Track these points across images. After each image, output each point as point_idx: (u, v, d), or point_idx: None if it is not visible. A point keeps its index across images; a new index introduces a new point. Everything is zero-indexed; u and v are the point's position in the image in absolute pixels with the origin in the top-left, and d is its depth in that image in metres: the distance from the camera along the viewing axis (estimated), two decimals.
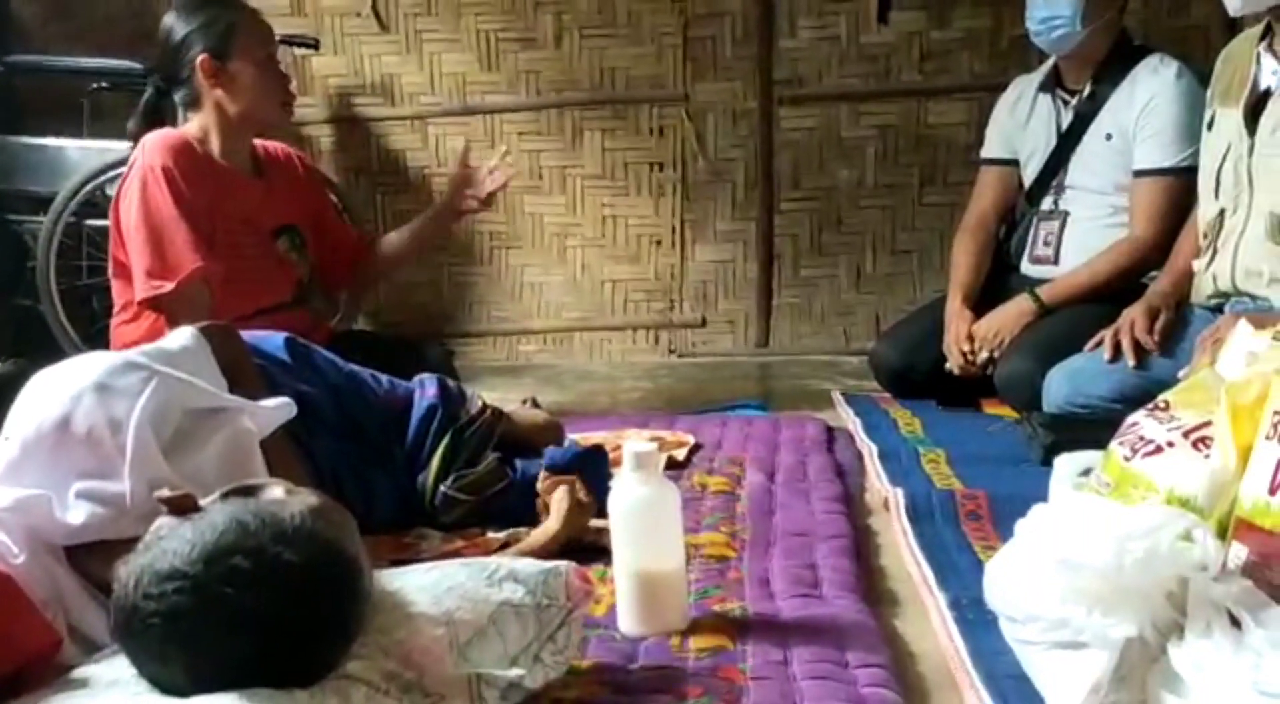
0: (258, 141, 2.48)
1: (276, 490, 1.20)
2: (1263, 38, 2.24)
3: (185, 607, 1.07)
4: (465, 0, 3.62)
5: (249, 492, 1.19)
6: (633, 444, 1.51)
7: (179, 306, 2.21)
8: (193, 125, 2.37)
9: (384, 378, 2.00)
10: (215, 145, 2.36)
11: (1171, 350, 2.33)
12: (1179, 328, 2.37)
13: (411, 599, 1.24)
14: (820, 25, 3.56)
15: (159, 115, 2.43)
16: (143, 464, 1.33)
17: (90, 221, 3.17)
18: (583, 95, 3.64)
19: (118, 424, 1.35)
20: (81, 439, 1.35)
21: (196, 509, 1.15)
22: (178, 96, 2.38)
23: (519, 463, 1.98)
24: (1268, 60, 2.22)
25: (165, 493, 1.15)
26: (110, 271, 2.39)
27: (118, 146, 3.09)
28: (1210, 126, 2.36)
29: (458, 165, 2.56)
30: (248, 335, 1.78)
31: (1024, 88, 2.92)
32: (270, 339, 1.88)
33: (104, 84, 3.35)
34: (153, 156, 2.24)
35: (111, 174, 3.07)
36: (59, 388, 1.39)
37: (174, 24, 2.36)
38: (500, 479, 1.93)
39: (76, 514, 1.32)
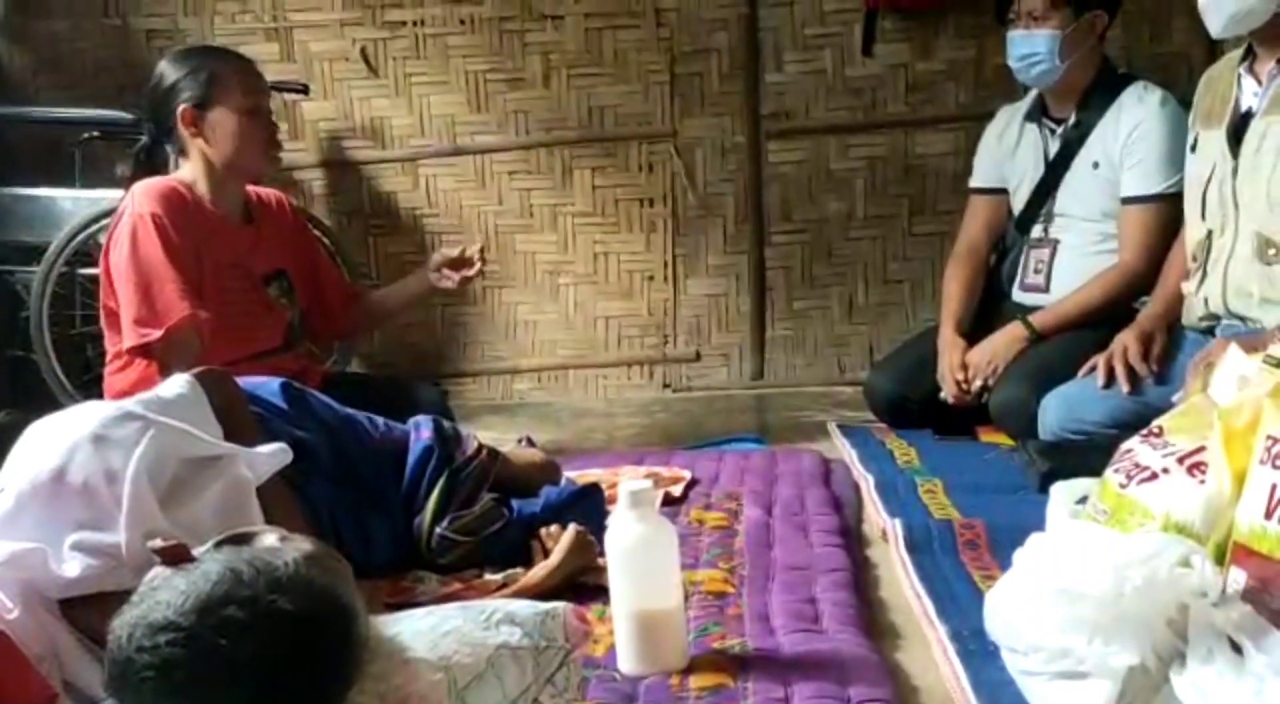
0: (250, 188, 2.49)
1: (270, 538, 1.20)
2: (1243, 60, 2.27)
3: (179, 659, 1.06)
4: (453, 43, 3.65)
5: (242, 539, 1.19)
6: (628, 483, 1.51)
7: (168, 354, 2.21)
8: (183, 172, 2.38)
9: (379, 420, 2.00)
10: (204, 192, 2.36)
11: (1165, 374, 2.35)
12: (1171, 351, 2.38)
13: (408, 644, 1.23)
14: (805, 59, 3.59)
15: (152, 163, 2.43)
16: (139, 515, 1.33)
17: (83, 270, 3.16)
18: (572, 134, 3.66)
19: (114, 475, 1.35)
20: (78, 490, 1.34)
21: (190, 559, 1.15)
22: (168, 145, 2.39)
23: (515, 503, 1.98)
24: (1248, 82, 2.25)
25: (158, 543, 1.15)
26: (102, 320, 2.39)
27: (109, 195, 3.09)
28: (1194, 149, 2.38)
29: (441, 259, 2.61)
30: (243, 381, 1.77)
31: (1010, 117, 2.94)
32: (266, 385, 1.88)
33: (95, 134, 3.36)
34: (142, 204, 2.25)
35: (104, 223, 3.06)
36: (54, 439, 1.39)
37: (163, 73, 2.38)
38: (497, 520, 1.93)
39: (72, 567, 1.31)
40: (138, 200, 2.26)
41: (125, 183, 2.40)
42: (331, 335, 2.70)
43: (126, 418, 1.42)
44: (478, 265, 2.57)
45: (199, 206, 2.34)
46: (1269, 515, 1.22)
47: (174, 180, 2.35)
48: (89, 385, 3.08)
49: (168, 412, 1.47)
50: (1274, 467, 1.23)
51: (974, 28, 3.51)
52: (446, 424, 2.03)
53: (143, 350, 2.24)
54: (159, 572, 1.13)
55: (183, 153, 2.38)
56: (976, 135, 3.08)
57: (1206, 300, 2.28)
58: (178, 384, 1.58)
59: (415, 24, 3.64)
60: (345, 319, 2.68)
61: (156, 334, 2.21)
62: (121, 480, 1.34)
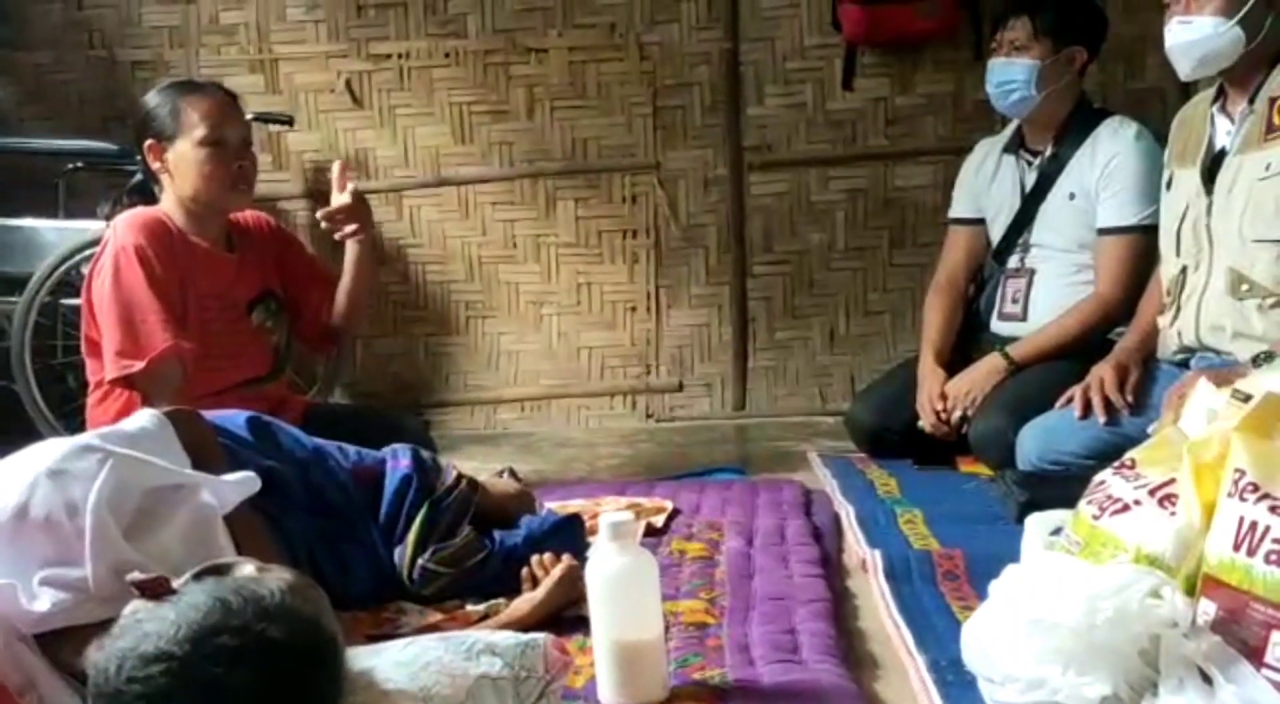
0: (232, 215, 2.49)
1: (248, 568, 1.20)
2: (1215, 99, 2.31)
3: (172, 688, 1.06)
4: (438, 75, 3.68)
5: (221, 570, 1.19)
6: (609, 515, 1.52)
7: (150, 385, 2.20)
8: (164, 203, 2.39)
9: (351, 449, 1.99)
10: (183, 224, 2.36)
11: (1141, 406, 2.37)
12: (1147, 383, 2.40)
13: (389, 676, 1.23)
14: (787, 93, 3.63)
15: (143, 194, 2.44)
16: (103, 547, 1.33)
17: (66, 301, 3.16)
18: (555, 165, 3.69)
19: (74, 508, 1.34)
20: (40, 526, 1.34)
21: (170, 591, 1.15)
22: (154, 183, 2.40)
23: (497, 534, 1.98)
24: (1221, 121, 2.29)
25: (137, 576, 1.15)
26: (84, 350, 2.38)
27: (93, 226, 3.10)
28: (1169, 186, 2.42)
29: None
30: (210, 415, 1.77)
31: (989, 149, 2.99)
32: (233, 418, 1.88)
33: (79, 165, 3.38)
34: (125, 236, 2.25)
35: (87, 253, 3.07)
36: (14, 476, 1.38)
37: (142, 105, 2.40)
38: (478, 551, 1.93)
39: (42, 602, 1.31)
40: (120, 232, 2.27)
41: (109, 217, 2.39)
42: (323, 337, 2.64)
43: (85, 450, 1.41)
44: (349, 187, 2.43)
45: (182, 238, 2.34)
46: (1237, 547, 1.24)
47: (158, 211, 2.36)
48: (70, 415, 3.07)
49: (130, 443, 1.47)
50: (1241, 499, 1.25)
51: (952, 63, 3.56)
52: (425, 454, 2.03)
53: (125, 381, 2.24)
54: (139, 604, 1.14)
55: (158, 184, 2.39)
56: (955, 168, 3.12)
57: (1180, 334, 2.31)
58: (142, 418, 1.58)
59: (400, 57, 3.67)
60: (332, 312, 2.58)
61: (138, 366, 2.20)
62: (83, 513, 1.34)
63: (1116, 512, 1.38)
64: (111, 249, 2.26)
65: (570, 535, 2.01)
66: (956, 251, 3.01)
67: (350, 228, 2.46)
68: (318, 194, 3.74)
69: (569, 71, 3.65)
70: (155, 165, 2.34)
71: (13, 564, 1.33)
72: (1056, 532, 1.54)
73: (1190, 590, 1.29)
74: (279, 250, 2.55)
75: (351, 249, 2.51)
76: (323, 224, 2.48)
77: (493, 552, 1.93)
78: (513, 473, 2.38)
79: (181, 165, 2.32)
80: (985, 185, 2.96)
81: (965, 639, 1.45)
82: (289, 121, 3.55)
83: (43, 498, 1.35)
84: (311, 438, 1.96)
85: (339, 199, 2.46)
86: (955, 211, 3.06)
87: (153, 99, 2.38)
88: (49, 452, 1.41)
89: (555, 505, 2.26)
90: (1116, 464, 1.47)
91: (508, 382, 3.79)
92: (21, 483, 1.36)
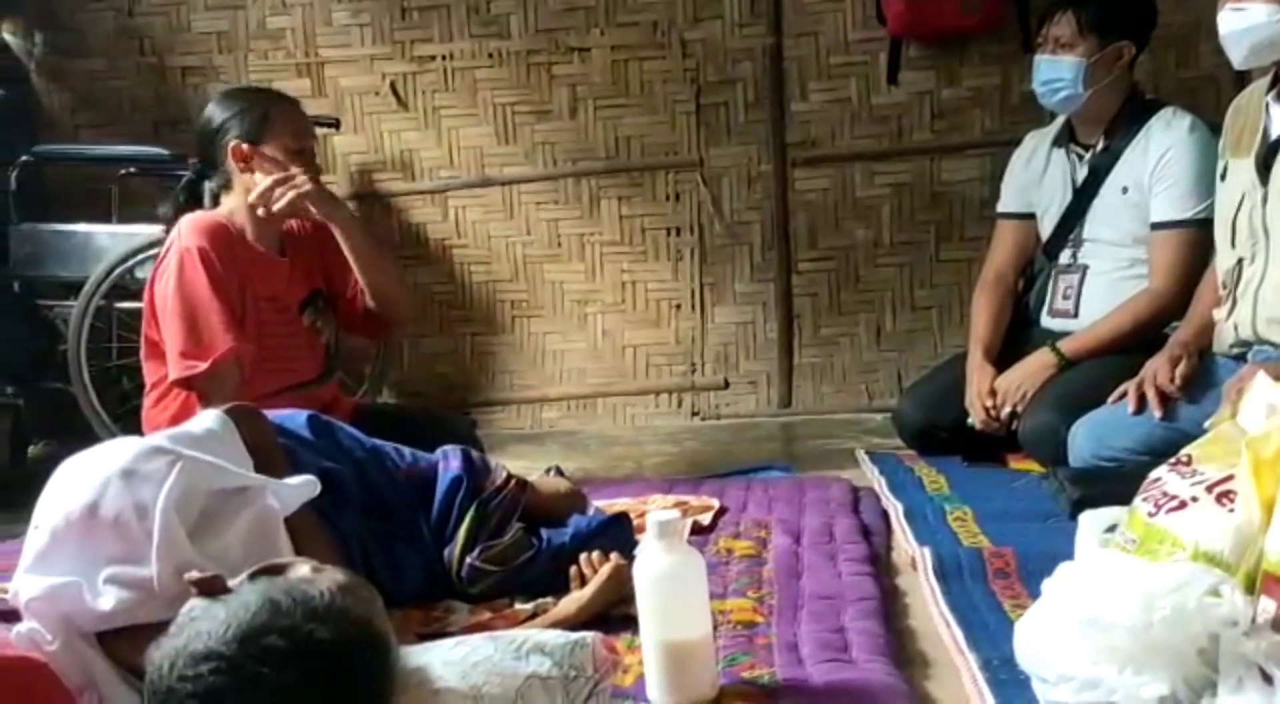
0: None
1: (303, 568, 1.21)
2: (1271, 88, 2.26)
3: (221, 687, 1.08)
4: (481, 76, 3.70)
5: (276, 570, 1.20)
6: (656, 513, 1.51)
7: (211, 386, 2.23)
8: (225, 208, 2.42)
9: (407, 451, 2.01)
10: (246, 228, 2.40)
11: (1197, 400, 2.32)
12: (1203, 377, 2.36)
13: (439, 674, 1.24)
14: (831, 88, 3.61)
15: (192, 200, 2.47)
16: (169, 548, 1.35)
17: (120, 304, 3.22)
18: (599, 164, 3.70)
19: (144, 509, 1.37)
20: (109, 525, 1.36)
21: (226, 590, 1.16)
22: (212, 182, 2.43)
23: (544, 532, 1.99)
24: (1276, 110, 2.24)
25: (195, 575, 1.17)
26: (142, 352, 2.42)
27: (146, 231, 3.15)
28: (1223, 177, 2.38)
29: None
30: (272, 414, 1.80)
31: (1038, 142, 2.95)
32: (294, 417, 1.90)
33: (131, 170, 3.43)
34: (190, 238, 2.29)
35: (140, 258, 3.13)
36: (86, 475, 1.41)
37: (213, 111, 2.43)
38: (526, 549, 1.94)
39: (106, 600, 1.34)
40: (185, 234, 2.30)
41: (168, 221, 2.42)
42: (367, 323, 2.63)
43: (156, 453, 1.44)
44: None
45: (242, 241, 2.37)
46: None
47: (219, 215, 2.39)
48: (125, 417, 3.12)
49: (197, 445, 1.49)
50: None
51: (999, 54, 3.52)
52: (475, 454, 2.04)
53: (185, 382, 2.27)
54: (196, 603, 1.15)
55: (226, 187, 2.41)
56: (1003, 162, 3.08)
57: (1237, 328, 2.27)
58: (208, 419, 1.60)
59: (444, 58, 3.70)
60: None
61: (202, 367, 2.23)
62: (152, 514, 1.36)
63: (1173, 508, 1.36)
64: (176, 250, 2.30)
65: (618, 534, 2.01)
66: (1005, 246, 2.98)
67: (285, 192, 2.34)
68: (364, 196, 3.78)
69: (611, 70, 3.65)
70: (237, 166, 2.37)
71: (79, 561, 1.36)
72: (1111, 529, 1.51)
73: (1250, 588, 1.26)
74: (319, 244, 2.57)
75: (337, 236, 2.46)
76: (259, 211, 2.39)
77: (541, 550, 1.94)
78: (559, 471, 2.39)
79: (266, 169, 2.36)
80: (1035, 179, 2.92)
81: (1018, 638, 1.43)
82: (335, 124, 3.59)
83: (113, 497, 1.37)
84: (370, 438, 1.98)
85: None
86: (1004, 206, 3.02)
87: (230, 103, 2.41)
88: (121, 452, 1.44)
89: (602, 504, 2.26)
90: (1173, 460, 1.45)
91: (553, 380, 3.80)
92: (93, 482, 1.39)
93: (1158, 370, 2.38)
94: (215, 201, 2.44)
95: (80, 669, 1.32)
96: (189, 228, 2.31)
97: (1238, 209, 2.27)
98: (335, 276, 2.57)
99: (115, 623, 1.34)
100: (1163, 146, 2.67)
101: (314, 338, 2.51)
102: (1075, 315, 2.78)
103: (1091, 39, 2.67)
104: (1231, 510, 1.32)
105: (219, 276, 2.27)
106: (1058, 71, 2.70)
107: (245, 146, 2.36)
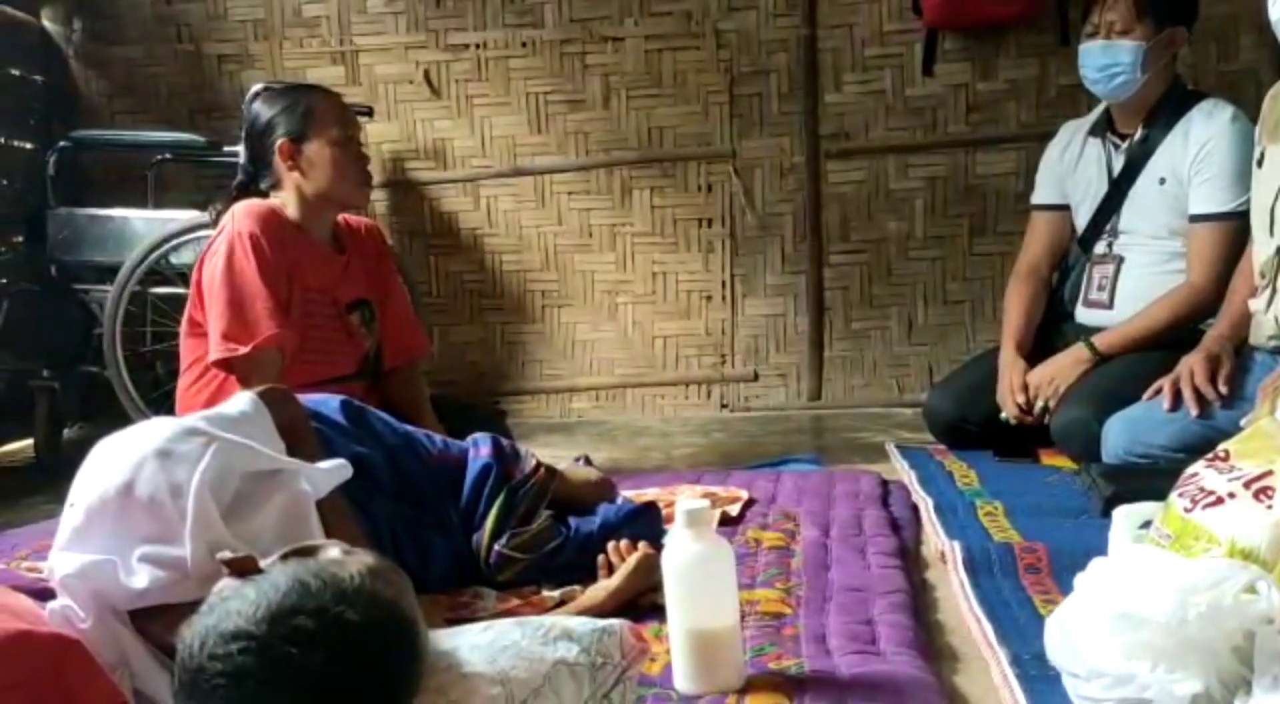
0: (341, 216, 2.52)
1: (334, 551, 1.22)
2: None
3: (250, 667, 1.08)
4: (514, 65, 3.70)
5: (307, 552, 1.21)
6: (685, 502, 1.51)
7: (251, 370, 2.24)
8: (280, 197, 2.42)
9: (437, 438, 2.02)
10: (298, 218, 2.41)
11: (1233, 397, 2.29)
12: (1240, 373, 2.33)
13: (467, 659, 1.24)
14: (865, 80, 3.59)
15: (244, 189, 2.48)
16: (203, 528, 1.36)
17: (155, 289, 3.25)
18: (631, 154, 3.69)
19: (179, 489, 1.38)
20: (144, 505, 1.37)
21: (257, 571, 1.17)
22: (263, 182, 2.43)
23: (573, 521, 1.99)
24: None
25: (227, 555, 1.17)
26: (183, 330, 2.43)
27: (181, 216, 3.18)
28: (1259, 164, 2.34)
29: None
30: (305, 399, 1.80)
31: (1074, 132, 2.91)
32: (327, 402, 1.91)
33: (167, 156, 3.46)
34: (242, 223, 2.30)
35: (175, 243, 3.16)
36: (122, 455, 1.42)
37: (259, 110, 2.43)
38: (554, 537, 1.94)
39: (140, 579, 1.35)
40: (238, 219, 2.31)
41: (217, 213, 2.43)
42: (395, 352, 2.66)
43: (191, 433, 1.45)
44: None
45: (295, 229, 2.39)
46: None
47: (273, 202, 2.40)
48: (159, 401, 3.15)
49: (231, 428, 1.50)
50: None
51: (1036, 46, 3.49)
52: (505, 442, 2.05)
53: (225, 364, 2.29)
54: (227, 583, 1.16)
55: (276, 186, 2.43)
56: (1038, 155, 3.05)
57: (1276, 319, 2.23)
58: (241, 401, 1.61)
59: (477, 47, 3.71)
60: (405, 365, 2.58)
61: (244, 350, 2.25)
62: (186, 494, 1.37)
63: (1209, 504, 1.34)
64: (227, 234, 2.31)
65: (647, 523, 2.01)
66: (1039, 238, 2.95)
67: None
68: (397, 184, 3.79)
69: (645, 60, 3.65)
70: (285, 165, 2.39)
71: (114, 540, 1.37)
72: (1145, 525, 1.49)
73: None
74: (382, 270, 2.59)
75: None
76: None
77: (568, 538, 1.94)
78: (587, 460, 2.39)
79: (315, 164, 2.38)
80: (1070, 169, 2.89)
81: (1049, 633, 1.42)
82: (369, 112, 3.60)
83: (149, 477, 1.38)
84: (402, 424, 1.99)
85: None
86: (1038, 197, 2.99)
87: (274, 101, 2.42)
88: (157, 432, 1.45)
89: (631, 494, 2.26)
90: (1209, 456, 1.43)
91: (583, 370, 3.80)
92: (129, 461, 1.40)
93: (1194, 367, 2.35)
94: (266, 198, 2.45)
95: (113, 647, 1.33)
96: (242, 213, 2.32)
97: (1276, 196, 2.23)
98: (383, 297, 2.57)
99: (148, 601, 1.35)
100: (1203, 137, 2.64)
101: (356, 338, 2.51)
102: (1110, 306, 2.75)
103: (1149, 23, 2.64)
104: (1269, 507, 1.30)
105: (268, 262, 2.28)
106: (1115, 56, 2.66)
107: (291, 144, 2.37)
